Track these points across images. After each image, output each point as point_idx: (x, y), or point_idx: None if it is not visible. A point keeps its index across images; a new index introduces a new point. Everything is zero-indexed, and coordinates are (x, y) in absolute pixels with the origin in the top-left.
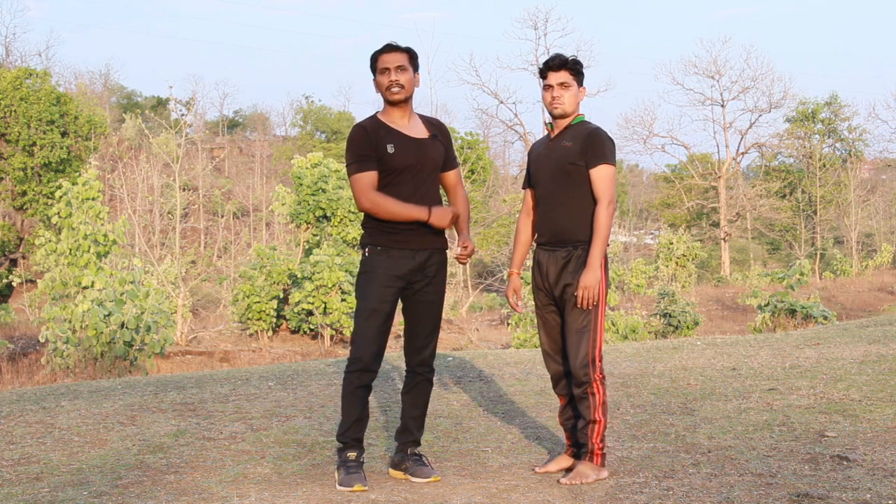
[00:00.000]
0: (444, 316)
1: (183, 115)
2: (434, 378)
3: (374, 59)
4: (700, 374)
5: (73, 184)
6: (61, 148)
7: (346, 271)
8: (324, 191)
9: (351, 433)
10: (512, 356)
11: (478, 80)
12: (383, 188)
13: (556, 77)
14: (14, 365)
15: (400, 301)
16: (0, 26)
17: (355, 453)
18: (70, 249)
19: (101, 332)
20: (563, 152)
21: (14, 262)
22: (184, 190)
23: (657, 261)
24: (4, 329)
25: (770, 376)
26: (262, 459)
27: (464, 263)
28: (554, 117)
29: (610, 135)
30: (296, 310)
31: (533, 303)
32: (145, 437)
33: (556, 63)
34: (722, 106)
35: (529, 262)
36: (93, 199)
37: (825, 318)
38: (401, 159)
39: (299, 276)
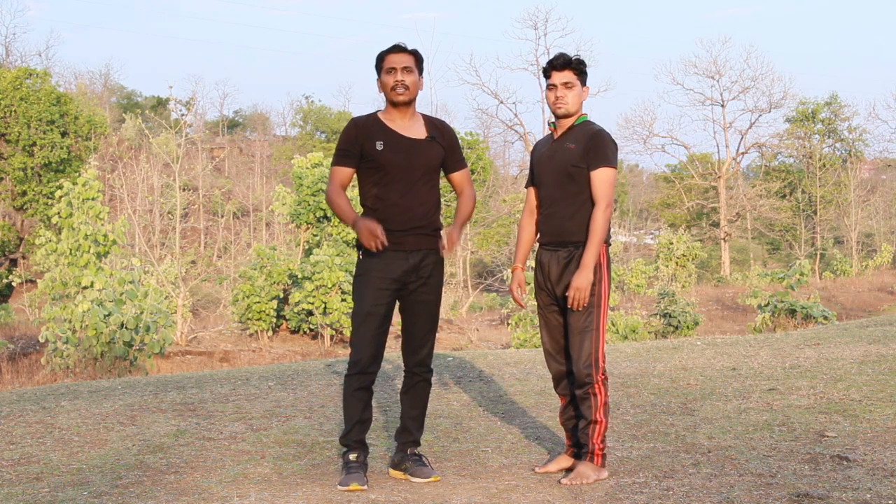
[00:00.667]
0: (444, 316)
1: (183, 115)
2: (433, 378)
3: (381, 58)
4: (700, 374)
5: (74, 184)
6: (61, 148)
7: (346, 271)
8: (324, 191)
9: (353, 436)
10: (512, 356)
11: (478, 80)
12: (375, 185)
13: (559, 77)
14: (14, 365)
15: (398, 302)
16: (0, 26)
17: (357, 454)
18: (70, 249)
19: (101, 333)
20: (566, 154)
21: (14, 262)
22: (184, 190)
23: (657, 261)
24: (4, 329)
25: (770, 376)
26: (262, 459)
27: (441, 253)
28: (557, 117)
29: (612, 137)
30: (296, 310)
31: (535, 302)
32: (145, 437)
33: (560, 63)
34: (722, 106)
35: (530, 263)
36: (93, 199)
37: (825, 318)
38: (388, 158)
39: (299, 276)
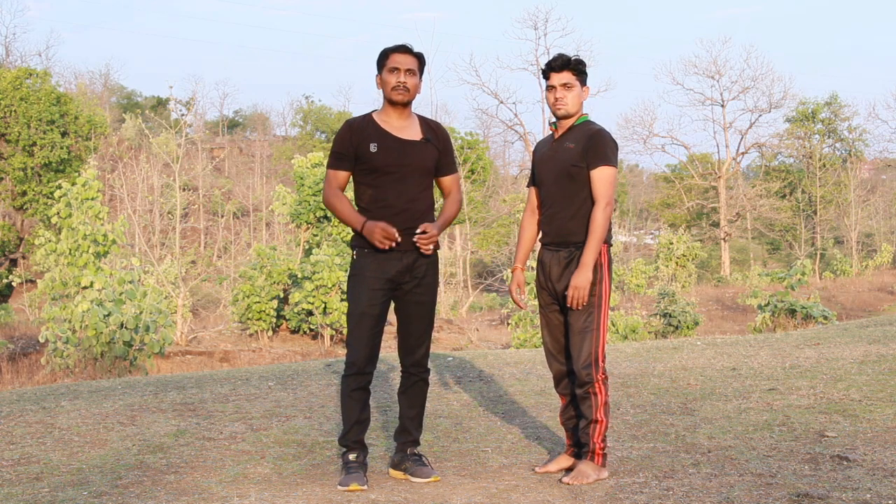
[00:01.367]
0: (444, 316)
1: (183, 115)
2: (432, 378)
3: (385, 55)
4: (700, 374)
5: (73, 184)
6: (61, 148)
7: (346, 271)
8: None
9: (352, 436)
10: (512, 356)
11: (478, 80)
12: (369, 187)
13: (558, 78)
14: (14, 365)
15: (393, 303)
16: (0, 26)
17: (356, 454)
18: (70, 249)
19: (101, 333)
20: (567, 154)
21: (14, 262)
22: (184, 190)
23: (657, 261)
24: (4, 329)
25: (770, 376)
26: (262, 459)
27: (422, 245)
28: (557, 118)
29: (613, 136)
30: (296, 310)
31: (535, 302)
32: (145, 437)
33: (559, 63)
34: (722, 106)
35: (532, 263)
36: (92, 199)
37: (825, 318)
38: (382, 159)
39: (299, 276)
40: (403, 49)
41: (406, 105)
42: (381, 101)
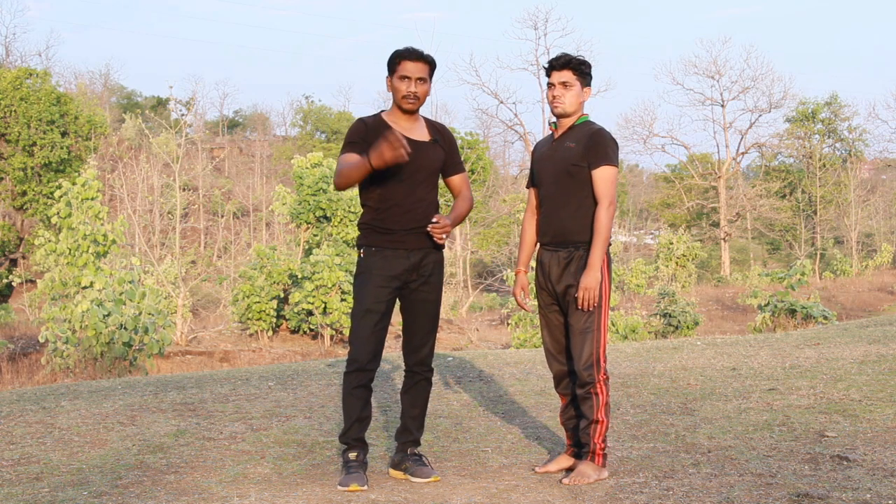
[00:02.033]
0: (444, 316)
1: (183, 115)
2: (433, 378)
3: (397, 61)
4: (700, 374)
5: (73, 184)
6: (61, 148)
7: (346, 271)
8: (324, 191)
9: (352, 434)
10: (512, 356)
11: (478, 80)
12: (378, 186)
13: (558, 76)
14: (14, 365)
15: (399, 302)
16: (0, 26)
17: (356, 453)
18: (70, 249)
19: (101, 333)
20: (567, 153)
21: (14, 262)
22: (184, 190)
23: (657, 261)
24: (4, 329)
25: (770, 376)
26: (262, 459)
27: (435, 234)
28: (555, 116)
29: (613, 136)
30: (296, 310)
31: (535, 302)
32: (145, 437)
33: (559, 62)
34: (722, 106)
35: (533, 264)
36: (92, 199)
37: (825, 318)
38: None
39: (299, 276)
40: (414, 56)
41: (415, 112)
42: (385, 103)
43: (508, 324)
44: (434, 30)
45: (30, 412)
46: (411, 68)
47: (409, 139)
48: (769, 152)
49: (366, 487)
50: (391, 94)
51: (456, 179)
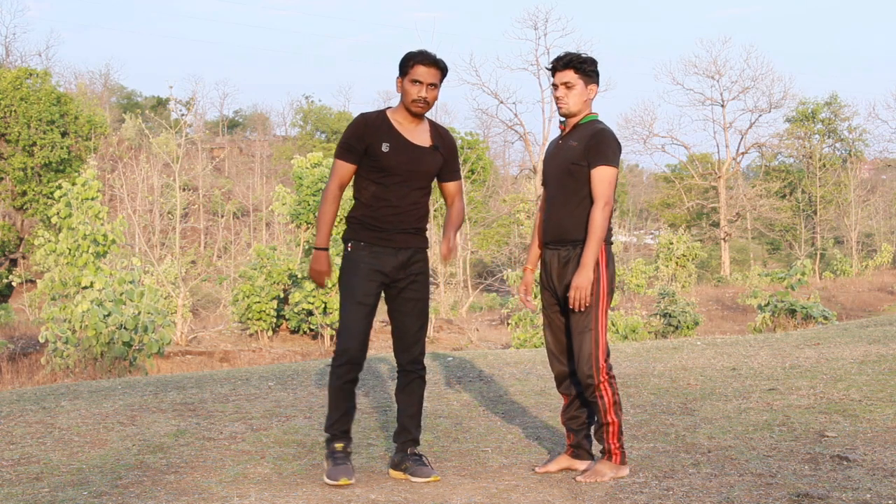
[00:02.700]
0: (444, 316)
1: (183, 115)
2: (430, 377)
3: (410, 64)
4: (700, 374)
5: (73, 184)
6: (61, 148)
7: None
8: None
9: (339, 425)
10: (512, 356)
11: (478, 80)
12: (374, 184)
13: (560, 76)
14: (14, 365)
15: (386, 303)
16: (0, 26)
17: (342, 444)
18: (69, 249)
19: (101, 333)
20: (569, 152)
21: (14, 262)
22: (184, 190)
23: (657, 261)
24: (4, 329)
25: (770, 376)
26: (262, 459)
27: (445, 260)
28: (562, 116)
29: (616, 136)
30: (296, 310)
31: (539, 301)
32: (145, 437)
33: (561, 62)
34: (722, 106)
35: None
36: (92, 199)
37: (825, 318)
38: (393, 160)
39: (299, 276)
40: (429, 61)
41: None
42: (383, 103)
43: (508, 324)
44: (434, 30)
45: (30, 412)
46: (424, 73)
47: (411, 143)
48: (769, 152)
49: (353, 480)
50: (400, 94)
51: (451, 186)
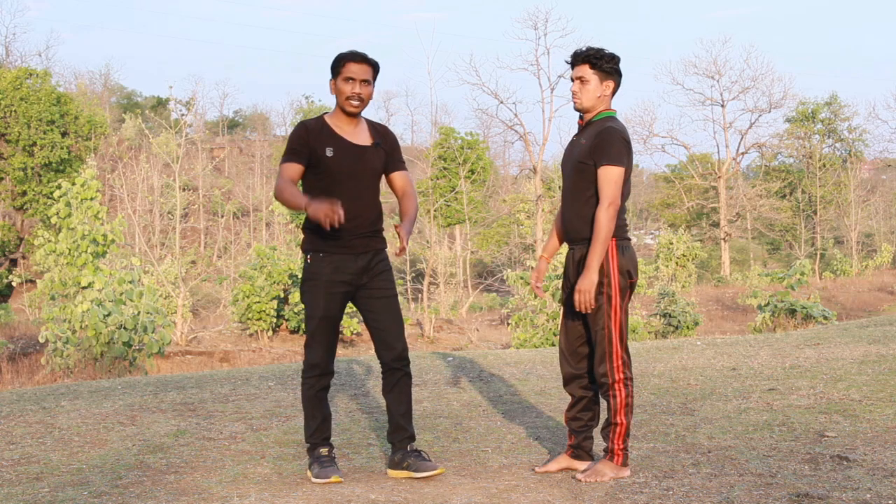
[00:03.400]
0: (444, 316)
1: (183, 115)
2: (430, 378)
3: (341, 63)
4: (700, 374)
5: (72, 184)
6: (61, 148)
7: None
8: None
9: (319, 434)
10: (512, 356)
11: (478, 80)
12: (323, 192)
13: (576, 71)
14: (14, 365)
15: (357, 307)
16: (0, 26)
17: (326, 449)
18: (69, 250)
19: (101, 333)
20: (579, 150)
21: (14, 262)
22: (184, 190)
23: (657, 261)
24: (4, 329)
25: (770, 376)
26: (262, 459)
27: (399, 256)
28: (576, 111)
29: (624, 135)
30: (295, 310)
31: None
32: (145, 437)
33: (576, 57)
34: (722, 106)
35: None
36: (91, 199)
37: (825, 318)
38: (338, 164)
39: (299, 276)
40: (358, 58)
41: (358, 114)
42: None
43: (508, 324)
44: (434, 30)
45: (30, 412)
46: (356, 70)
47: (353, 144)
48: (769, 152)
49: (343, 480)
50: (335, 96)
51: (398, 177)
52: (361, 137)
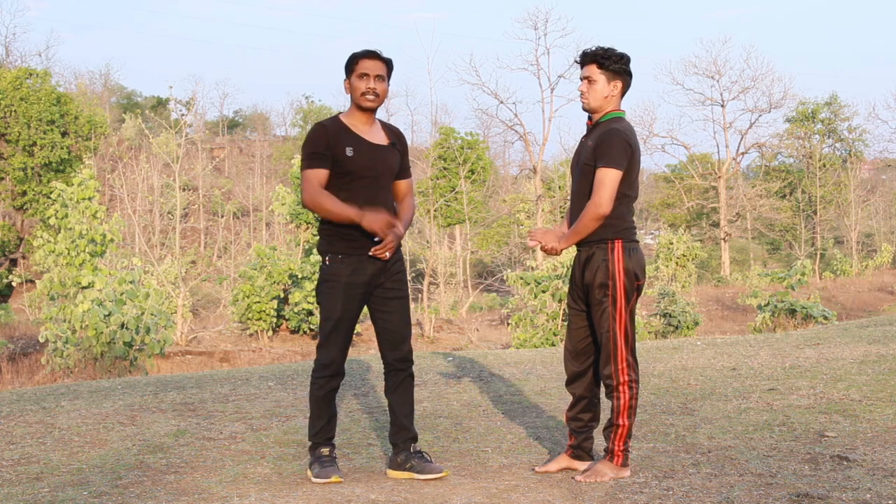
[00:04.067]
0: (444, 316)
1: (183, 115)
2: (430, 378)
3: (355, 60)
4: (700, 374)
5: (69, 185)
6: (61, 148)
7: None
8: None
9: (323, 433)
10: (512, 356)
11: (478, 80)
12: (341, 191)
13: (583, 71)
14: (14, 365)
15: (368, 307)
16: (0, 26)
17: (328, 449)
18: (67, 250)
19: (101, 333)
20: (585, 151)
21: (14, 262)
22: (184, 190)
23: (657, 261)
24: (4, 329)
25: (770, 376)
26: (262, 459)
27: (378, 255)
28: (584, 111)
29: (627, 136)
30: (296, 310)
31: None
32: (145, 437)
33: (583, 58)
34: (722, 106)
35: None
36: (89, 199)
37: (825, 318)
38: (358, 163)
39: (299, 276)
40: (373, 55)
41: (375, 110)
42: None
43: (508, 324)
44: (434, 30)
45: (30, 412)
46: (370, 66)
47: (371, 143)
48: (769, 152)
49: (343, 480)
50: (349, 95)
51: (403, 184)
52: (378, 137)
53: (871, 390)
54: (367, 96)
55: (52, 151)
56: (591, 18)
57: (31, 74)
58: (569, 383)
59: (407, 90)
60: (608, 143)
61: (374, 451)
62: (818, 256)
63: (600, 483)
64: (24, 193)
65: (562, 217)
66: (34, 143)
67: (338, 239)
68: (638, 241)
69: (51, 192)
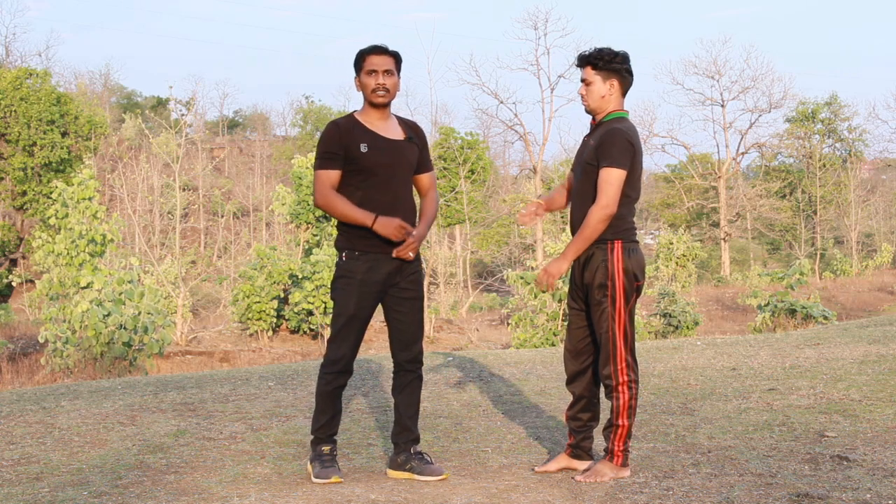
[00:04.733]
0: (444, 316)
1: (183, 115)
2: (430, 378)
3: (362, 58)
4: (700, 374)
5: (69, 185)
6: (61, 148)
7: None
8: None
9: (326, 429)
10: (512, 356)
11: (478, 80)
12: (357, 189)
13: (581, 74)
14: (14, 365)
15: (382, 305)
16: (0, 26)
17: (329, 447)
18: (67, 250)
19: (101, 333)
20: (587, 151)
21: (14, 262)
22: (184, 190)
23: (657, 261)
24: (4, 329)
25: (770, 376)
26: (262, 459)
27: (401, 256)
28: (586, 113)
29: (629, 136)
30: (296, 310)
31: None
32: (145, 437)
33: (580, 61)
34: (722, 106)
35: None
36: (88, 199)
37: (825, 318)
38: (374, 159)
39: (299, 276)
40: (379, 50)
41: (387, 106)
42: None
43: (508, 324)
44: (434, 30)
45: (30, 412)
46: (377, 61)
47: (386, 139)
48: (769, 152)
49: (343, 480)
50: (361, 92)
51: (425, 178)
52: (394, 132)
53: (871, 390)
54: (378, 92)
55: (52, 151)
56: (591, 18)
57: (31, 74)
58: (569, 382)
59: (407, 90)
60: (610, 142)
61: (374, 451)
62: (818, 256)
63: (600, 483)
64: (24, 193)
65: (562, 218)
66: (34, 143)
67: (355, 236)
68: (638, 242)
69: (51, 192)
